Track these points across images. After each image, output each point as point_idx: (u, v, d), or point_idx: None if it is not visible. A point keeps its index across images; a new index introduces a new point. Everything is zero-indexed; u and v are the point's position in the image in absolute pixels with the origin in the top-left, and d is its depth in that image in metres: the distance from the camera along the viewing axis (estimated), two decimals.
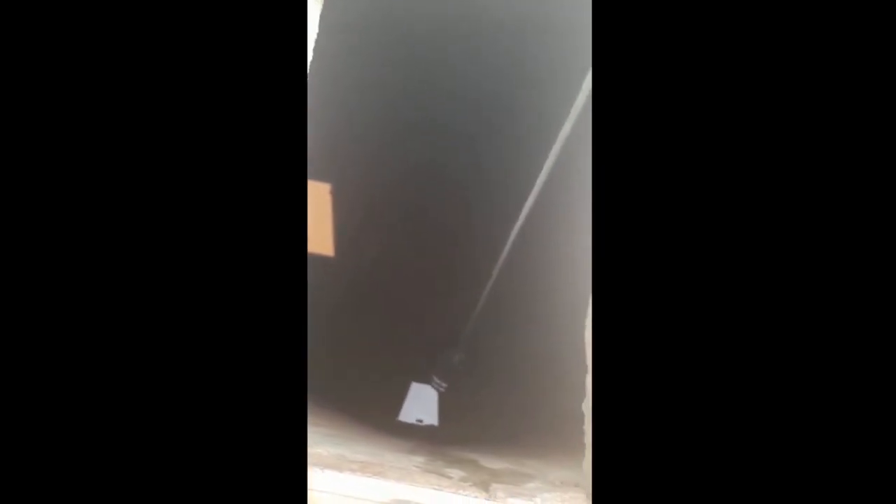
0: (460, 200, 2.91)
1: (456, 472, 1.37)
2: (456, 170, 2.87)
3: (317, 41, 1.23)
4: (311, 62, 1.21)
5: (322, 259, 3.03)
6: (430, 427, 3.34)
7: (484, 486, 1.20)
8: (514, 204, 1.98)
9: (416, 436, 2.83)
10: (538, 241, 2.29)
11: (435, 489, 1.11)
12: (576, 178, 1.79)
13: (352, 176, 2.85)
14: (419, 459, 1.51)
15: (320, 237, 2.97)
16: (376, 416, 2.98)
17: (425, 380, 3.45)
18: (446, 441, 2.51)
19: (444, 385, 3.44)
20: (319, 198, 2.87)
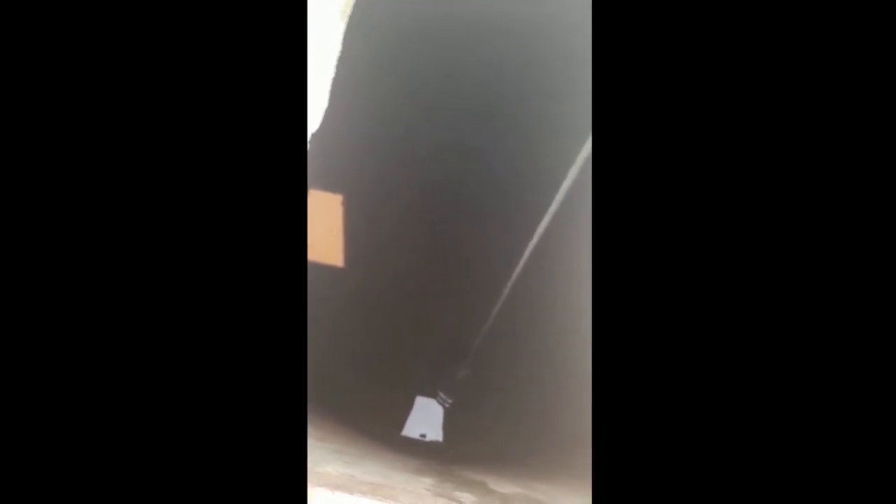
0: (474, 213, 2.89)
1: (467, 497, 1.34)
2: (470, 183, 2.85)
3: (339, 58, 1.22)
4: (333, 77, 1.21)
5: (332, 270, 3.02)
6: (435, 443, 3.31)
7: None
8: (531, 218, 1.96)
9: (421, 452, 2.79)
10: (553, 258, 2.26)
11: None
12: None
13: (364, 187, 2.84)
14: (428, 481, 1.48)
15: (331, 248, 2.95)
16: (382, 430, 2.95)
17: (431, 395, 3.42)
18: (453, 460, 2.47)
19: (449, 400, 3.41)
20: (330, 208, 2.86)
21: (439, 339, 3.28)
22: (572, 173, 1.73)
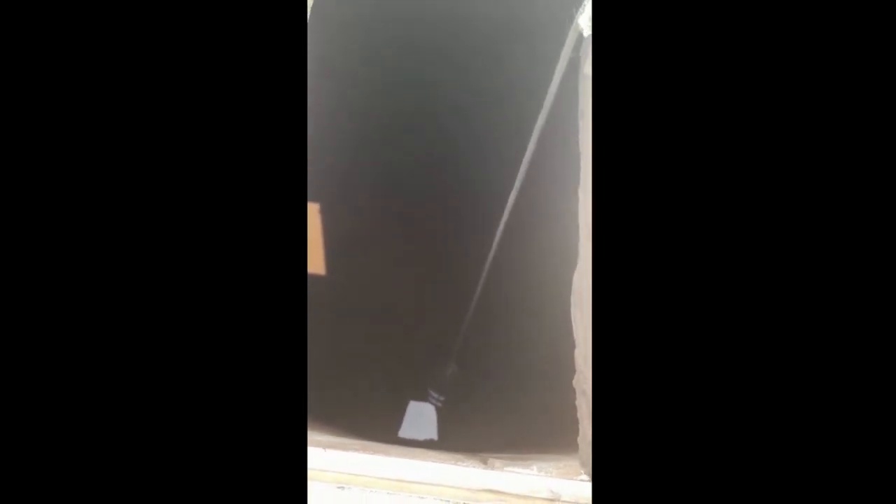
0: (447, 206, 2.96)
1: (454, 456, 1.40)
2: (440, 176, 2.92)
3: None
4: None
5: (312, 278, 3.07)
6: (430, 441, 3.35)
7: (482, 461, 1.24)
8: (501, 205, 2.04)
9: (418, 447, 2.83)
10: (523, 241, 2.34)
11: (434, 462, 1.14)
12: (556, 175, 1.85)
13: (334, 193, 2.89)
14: (417, 449, 1.54)
15: (309, 256, 3.00)
16: (374, 434, 2.98)
17: (422, 395, 3.46)
18: (443, 448, 2.51)
19: (441, 399, 3.46)
20: (309, 215, 2.91)
21: (424, 337, 3.34)
22: (525, 161, 1.81)
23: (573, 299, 1.44)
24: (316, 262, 3.02)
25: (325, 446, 1.15)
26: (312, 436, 1.28)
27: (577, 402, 1.41)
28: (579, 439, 1.38)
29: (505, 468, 1.17)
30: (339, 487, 1.07)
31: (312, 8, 1.29)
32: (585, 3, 1.34)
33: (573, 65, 1.45)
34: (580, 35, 1.40)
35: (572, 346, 1.42)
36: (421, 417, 3.45)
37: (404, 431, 3.42)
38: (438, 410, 3.46)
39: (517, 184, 1.84)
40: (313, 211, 2.89)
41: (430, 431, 3.42)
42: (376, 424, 3.15)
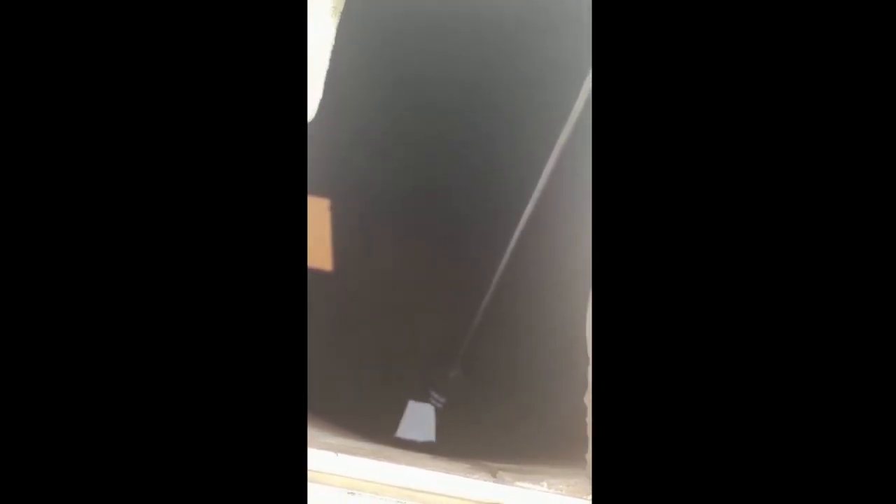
0: (462, 210, 2.95)
1: (462, 466, 1.40)
2: (453, 179, 2.91)
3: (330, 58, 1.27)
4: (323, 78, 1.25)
5: (318, 274, 3.06)
6: (429, 443, 3.35)
7: (492, 473, 1.23)
8: (514, 212, 2.03)
9: (416, 449, 2.83)
10: (537, 249, 2.33)
11: (444, 472, 1.14)
12: (575, 185, 1.85)
13: (345, 189, 2.89)
14: (425, 456, 1.54)
15: (317, 252, 3.00)
16: (376, 433, 2.98)
17: (423, 396, 3.46)
18: (449, 455, 2.51)
19: (441, 401, 3.45)
20: (316, 213, 2.91)
21: (429, 339, 3.33)
22: (546, 171, 1.80)
23: (588, 315, 1.43)
24: (326, 260, 3.02)
25: (337, 450, 1.14)
26: (322, 438, 1.28)
27: (587, 419, 1.40)
28: (588, 456, 1.37)
29: (515, 483, 1.16)
30: (349, 493, 1.07)
31: (336, 8, 1.28)
32: None
33: None
34: None
35: (586, 362, 1.41)
36: (420, 418, 3.44)
37: (402, 432, 3.41)
38: (438, 412, 3.45)
39: (536, 193, 1.83)
40: (325, 208, 2.88)
41: (429, 433, 3.41)
42: (376, 423, 3.14)
